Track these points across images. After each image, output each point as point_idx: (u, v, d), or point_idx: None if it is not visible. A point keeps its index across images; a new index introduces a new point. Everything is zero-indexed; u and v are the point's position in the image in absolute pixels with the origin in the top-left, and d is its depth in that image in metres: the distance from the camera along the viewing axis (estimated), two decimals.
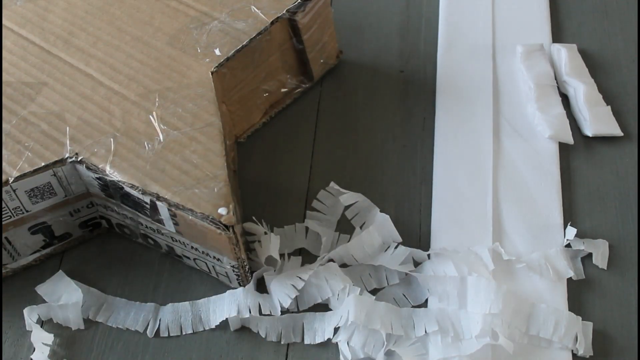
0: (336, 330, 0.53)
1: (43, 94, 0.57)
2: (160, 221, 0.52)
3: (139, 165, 0.52)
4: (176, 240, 0.54)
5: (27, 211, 0.54)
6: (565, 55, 0.67)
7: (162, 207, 0.50)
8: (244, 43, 0.58)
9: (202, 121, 0.54)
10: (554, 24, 0.72)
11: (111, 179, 0.51)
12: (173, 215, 0.50)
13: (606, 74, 0.68)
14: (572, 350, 0.52)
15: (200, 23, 0.60)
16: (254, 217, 0.59)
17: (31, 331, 0.55)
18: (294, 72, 0.66)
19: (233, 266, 0.52)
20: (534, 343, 0.52)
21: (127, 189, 0.51)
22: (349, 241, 0.57)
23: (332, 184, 0.61)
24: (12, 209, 0.53)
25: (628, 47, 0.70)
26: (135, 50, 0.59)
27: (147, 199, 0.51)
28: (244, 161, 0.63)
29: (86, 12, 0.62)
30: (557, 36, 0.71)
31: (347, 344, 0.51)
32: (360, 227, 0.58)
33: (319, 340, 0.53)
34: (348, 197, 0.59)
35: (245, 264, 0.52)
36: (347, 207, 0.60)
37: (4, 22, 0.62)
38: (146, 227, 0.55)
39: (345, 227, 0.59)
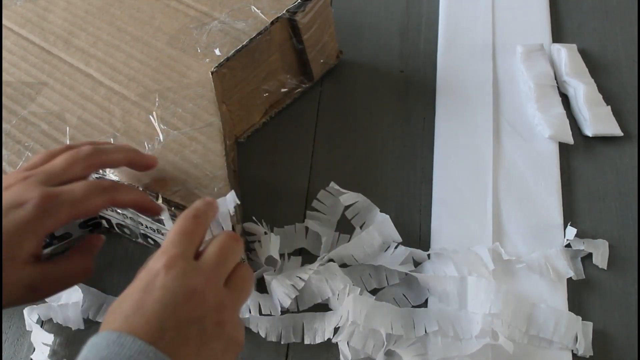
0: (336, 330, 0.53)
1: (43, 94, 0.57)
2: (161, 221, 0.52)
3: None
4: None
5: None
6: (565, 55, 0.67)
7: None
8: (244, 43, 0.58)
9: (202, 121, 0.54)
10: (554, 24, 0.72)
11: (111, 179, 0.51)
12: (173, 215, 0.50)
13: (606, 74, 0.68)
14: (572, 350, 0.52)
15: (200, 23, 0.60)
16: (254, 217, 0.59)
17: (31, 331, 0.55)
18: (294, 72, 0.66)
19: None
20: (534, 343, 0.52)
21: None
22: (349, 241, 0.57)
23: (332, 184, 0.61)
24: None
25: (628, 47, 0.70)
26: (135, 50, 0.59)
27: None
28: (244, 161, 0.63)
29: (86, 12, 0.62)
30: (557, 36, 0.71)
31: (347, 344, 0.51)
32: (360, 227, 0.58)
33: (319, 340, 0.53)
34: (348, 197, 0.59)
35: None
36: (347, 207, 0.60)
37: (4, 22, 0.62)
38: (146, 227, 0.55)
39: (345, 227, 0.59)
